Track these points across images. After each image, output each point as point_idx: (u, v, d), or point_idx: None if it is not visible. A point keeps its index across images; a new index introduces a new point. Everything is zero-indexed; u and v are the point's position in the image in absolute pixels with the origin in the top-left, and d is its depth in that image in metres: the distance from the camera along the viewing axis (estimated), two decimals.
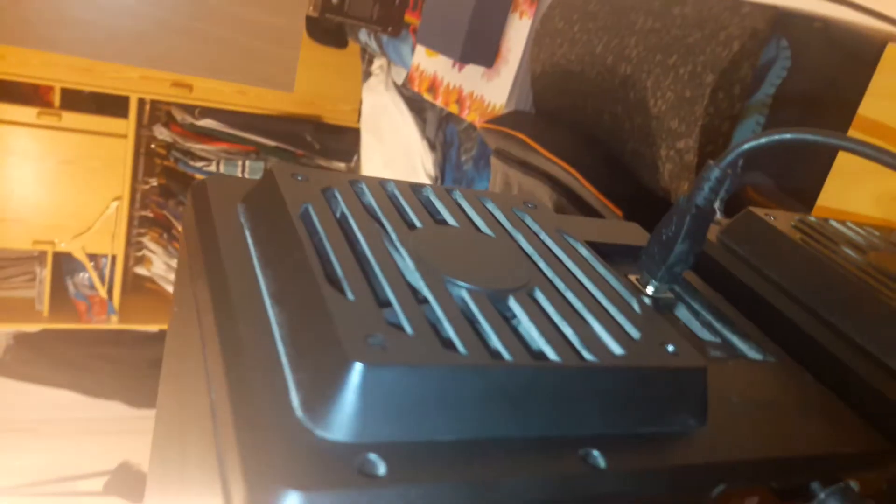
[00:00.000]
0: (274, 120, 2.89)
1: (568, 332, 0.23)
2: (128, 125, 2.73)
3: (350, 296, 0.20)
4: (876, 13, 0.43)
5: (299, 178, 0.25)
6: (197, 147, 2.81)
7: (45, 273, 2.83)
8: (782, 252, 0.34)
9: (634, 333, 0.24)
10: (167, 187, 2.89)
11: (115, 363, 3.09)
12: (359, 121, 2.39)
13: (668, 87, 0.91)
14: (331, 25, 2.19)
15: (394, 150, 2.18)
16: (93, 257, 2.88)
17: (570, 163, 1.02)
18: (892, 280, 0.32)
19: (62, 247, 2.77)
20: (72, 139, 2.67)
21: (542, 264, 0.26)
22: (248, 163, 2.87)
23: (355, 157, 2.85)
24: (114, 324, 2.95)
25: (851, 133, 0.51)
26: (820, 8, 0.75)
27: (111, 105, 2.70)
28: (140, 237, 2.99)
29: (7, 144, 2.59)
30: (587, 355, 0.22)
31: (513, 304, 0.23)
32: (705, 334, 0.31)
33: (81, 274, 2.94)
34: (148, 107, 2.84)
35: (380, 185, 0.27)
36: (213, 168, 2.80)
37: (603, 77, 1.02)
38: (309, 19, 2.26)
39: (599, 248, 0.34)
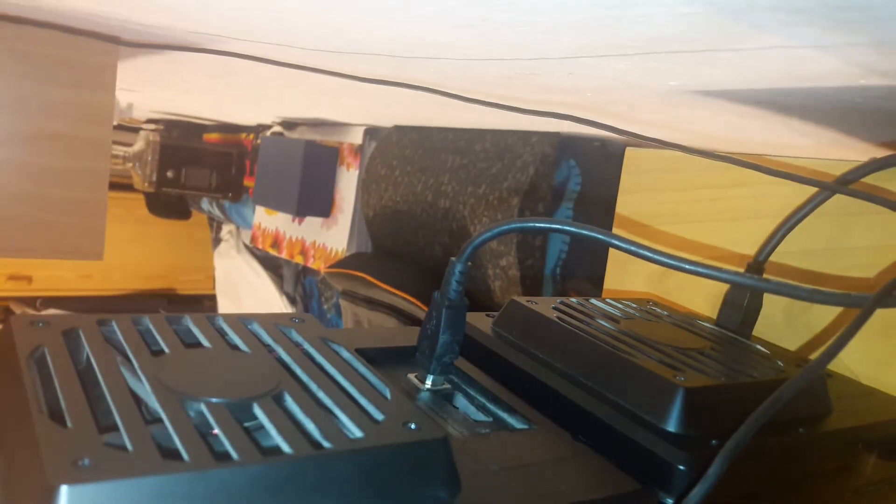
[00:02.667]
0: (125, 300, 2.77)
1: (310, 427, 0.24)
2: None
3: (69, 424, 0.20)
4: (611, 128, 0.52)
5: (40, 324, 0.26)
6: None
7: None
8: (543, 331, 0.37)
9: (378, 416, 0.25)
10: None
11: None
12: (214, 287, 2.35)
13: (483, 213, 0.99)
14: (170, 199, 2.20)
15: (254, 311, 2.15)
16: None
17: (409, 292, 1.07)
18: (638, 341, 0.36)
19: None
20: None
21: (297, 371, 0.28)
22: None
23: None
24: None
25: (616, 227, 0.58)
26: (591, 130, 0.87)
27: None
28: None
29: None
30: (324, 444, 0.23)
31: (257, 410, 0.24)
32: (479, 416, 0.33)
33: None
34: None
35: (132, 321, 0.28)
36: None
37: (427, 213, 1.09)
38: (147, 195, 2.26)
39: (378, 353, 0.37)
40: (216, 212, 1.98)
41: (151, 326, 0.29)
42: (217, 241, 2.33)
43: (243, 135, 1.69)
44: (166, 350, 0.27)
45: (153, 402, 0.23)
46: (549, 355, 0.36)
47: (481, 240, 0.33)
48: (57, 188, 0.62)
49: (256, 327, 0.31)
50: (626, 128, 0.56)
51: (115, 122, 1.28)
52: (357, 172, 1.26)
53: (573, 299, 0.42)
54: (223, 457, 0.21)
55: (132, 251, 2.73)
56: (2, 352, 0.26)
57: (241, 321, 0.31)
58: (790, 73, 0.43)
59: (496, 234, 0.33)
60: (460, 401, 0.34)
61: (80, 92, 0.61)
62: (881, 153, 0.46)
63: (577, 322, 0.38)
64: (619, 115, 0.69)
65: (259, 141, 1.47)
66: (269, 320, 0.32)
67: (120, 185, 2.48)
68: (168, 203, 2.20)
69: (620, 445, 0.31)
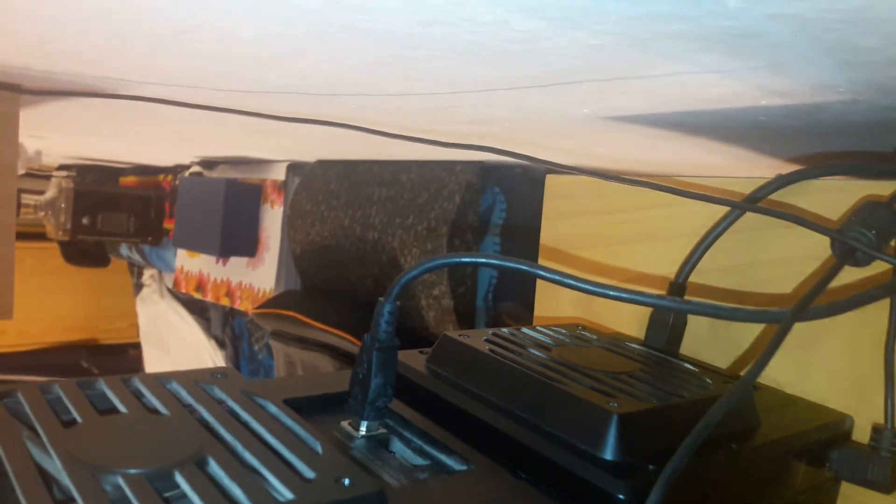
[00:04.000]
0: (44, 353, 2.62)
1: (237, 492, 0.23)
2: None
3: None
4: (529, 158, 0.52)
5: None
6: None
7: None
8: (476, 366, 0.37)
9: (309, 475, 0.24)
10: None
11: None
12: (138, 335, 2.26)
13: (413, 243, 0.99)
14: (87, 246, 2.10)
15: (180, 357, 2.08)
16: None
17: (342, 328, 1.05)
18: (570, 369, 0.36)
19: None
20: None
21: (221, 431, 0.26)
22: None
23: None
24: None
25: (541, 248, 0.59)
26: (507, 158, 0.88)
27: None
28: None
29: None
30: None
31: (179, 479, 0.23)
32: (417, 460, 0.32)
33: None
34: None
35: (39, 390, 0.26)
36: None
37: (357, 246, 1.08)
38: (62, 244, 2.16)
39: (309, 402, 0.35)
40: (136, 257, 1.91)
41: (62, 394, 0.27)
42: (139, 286, 2.24)
43: (161, 176, 1.64)
44: (79, 419, 0.25)
45: (65, 479, 0.21)
46: (485, 390, 0.36)
47: (408, 278, 0.33)
48: None
49: (176, 386, 0.30)
50: (544, 155, 0.57)
51: (23, 171, 1.22)
52: (282, 209, 1.24)
53: (504, 330, 0.42)
54: None
55: (49, 302, 2.60)
56: None
57: (160, 381, 0.29)
58: (696, 97, 0.45)
59: (422, 271, 0.32)
60: (397, 445, 0.34)
61: None
62: (788, 168, 0.48)
63: (510, 353, 0.38)
64: (536, 143, 0.70)
65: (178, 182, 1.43)
66: (189, 378, 0.30)
67: (32, 234, 2.36)
68: (85, 251, 2.11)
69: (560, 478, 0.30)
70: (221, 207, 1.19)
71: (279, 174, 1.25)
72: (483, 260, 0.34)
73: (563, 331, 0.44)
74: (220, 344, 1.99)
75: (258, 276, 1.26)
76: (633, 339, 0.46)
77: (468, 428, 0.34)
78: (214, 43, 0.39)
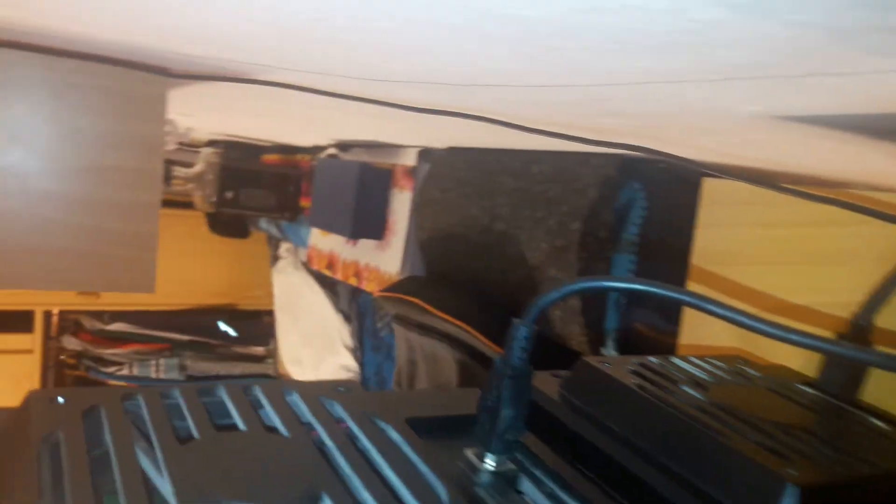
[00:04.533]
0: (187, 314, 2.83)
1: None
2: (33, 339, 2.61)
3: None
4: (679, 158, 0.47)
5: (60, 400, 0.23)
6: (108, 352, 2.70)
7: None
8: (619, 401, 0.33)
9: None
10: None
11: None
12: (273, 303, 2.37)
13: (541, 238, 0.95)
14: (230, 219, 2.23)
15: (310, 327, 2.16)
16: None
17: (464, 320, 1.03)
18: (732, 416, 0.31)
19: None
20: None
21: (339, 461, 0.24)
22: (161, 361, 2.77)
23: (272, 340, 2.79)
24: None
25: (694, 266, 0.53)
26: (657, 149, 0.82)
27: (17, 320, 2.60)
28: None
29: None
30: None
31: None
32: None
33: None
34: (55, 318, 2.74)
35: (160, 395, 0.25)
36: (125, 372, 2.68)
37: (482, 236, 1.06)
38: (208, 215, 2.30)
39: (432, 423, 0.33)
40: (274, 231, 2.00)
41: (182, 401, 0.26)
42: (275, 258, 2.35)
43: (300, 156, 1.69)
44: (195, 434, 0.24)
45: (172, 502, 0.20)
46: (629, 430, 0.32)
47: (549, 300, 0.29)
48: (109, 221, 0.61)
49: (296, 400, 0.28)
50: (699, 157, 0.51)
51: (175, 145, 1.29)
52: (410, 194, 1.23)
53: (652, 359, 0.37)
54: None
55: (194, 267, 2.79)
56: (18, 431, 0.23)
57: (282, 391, 0.28)
58: None
59: (566, 294, 0.29)
60: (526, 485, 0.30)
61: (130, 123, 0.60)
62: None
63: (660, 390, 0.33)
64: (689, 143, 0.64)
65: (315, 162, 1.46)
66: (312, 391, 0.28)
67: (183, 203, 2.53)
68: (227, 222, 2.23)
69: None
70: (354, 190, 1.20)
71: (409, 159, 1.24)
72: (641, 287, 0.29)
73: (721, 364, 0.39)
74: (346, 318, 2.05)
75: (385, 260, 1.27)
76: (801, 376, 0.40)
77: (607, 473, 0.30)
78: (350, 31, 0.37)
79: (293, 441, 0.25)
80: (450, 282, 1.17)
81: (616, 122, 0.58)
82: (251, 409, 0.26)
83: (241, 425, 0.25)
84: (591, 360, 0.36)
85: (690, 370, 0.37)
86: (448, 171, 1.15)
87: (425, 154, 1.22)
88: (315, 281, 2.12)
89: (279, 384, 0.28)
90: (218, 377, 2.80)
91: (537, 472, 0.30)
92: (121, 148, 0.60)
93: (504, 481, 0.30)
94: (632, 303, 0.94)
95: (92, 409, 0.23)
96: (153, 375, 2.76)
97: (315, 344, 2.17)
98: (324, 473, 0.23)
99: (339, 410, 0.28)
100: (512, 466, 0.31)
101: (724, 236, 0.51)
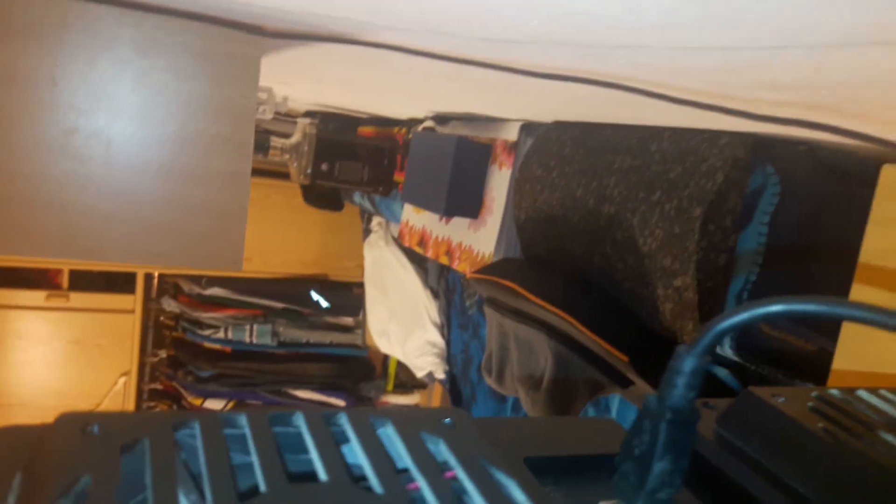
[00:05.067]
0: (280, 282, 2.89)
1: None
2: (135, 300, 2.74)
3: None
4: (867, 136, 0.38)
5: (94, 429, 0.19)
6: (205, 316, 2.80)
7: None
8: (801, 449, 0.25)
9: None
10: (176, 358, 2.84)
11: None
12: (363, 276, 2.38)
13: (656, 224, 0.86)
14: (324, 191, 2.23)
15: (398, 302, 2.15)
16: None
17: (564, 309, 0.96)
18: None
19: None
20: (80, 319, 2.67)
21: None
22: (255, 326, 2.84)
23: (361, 312, 2.81)
24: None
25: (861, 263, 0.44)
26: (801, 131, 0.71)
27: (120, 281, 2.73)
28: (149, 410, 2.90)
29: (15, 329, 2.59)
30: None
31: None
32: None
33: None
34: (156, 280, 2.86)
35: (219, 422, 0.20)
36: (221, 335, 2.77)
37: (587, 219, 0.98)
38: (303, 187, 2.31)
39: (556, 464, 0.27)
40: (367, 204, 1.98)
41: (248, 431, 0.20)
42: (367, 231, 2.35)
43: (396, 128, 1.65)
44: (262, 486, 0.18)
45: None
46: (815, 490, 0.24)
47: (727, 325, 0.22)
48: (196, 191, 0.57)
49: (391, 434, 0.22)
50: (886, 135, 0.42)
51: (272, 115, 1.27)
52: (510, 172, 1.16)
53: (833, 391, 0.29)
54: None
55: (289, 237, 2.84)
56: (38, 470, 0.19)
57: (372, 422, 0.22)
58: None
59: (752, 318, 0.21)
60: None
61: (220, 87, 0.56)
62: None
63: (853, 438, 0.25)
64: (861, 115, 0.53)
65: (411, 136, 1.41)
66: (410, 423, 0.22)
67: (279, 173, 2.56)
68: (322, 194, 2.24)
69: None
70: (450, 166, 1.14)
71: (511, 134, 1.17)
72: (835, 309, 0.22)
73: None
74: (435, 295, 2.02)
75: (478, 239, 1.21)
76: None
77: None
78: None
79: (386, 499, 0.19)
80: (548, 267, 1.09)
81: (767, 95, 0.49)
82: (334, 447, 0.20)
83: (321, 474, 0.19)
84: (759, 392, 0.28)
85: (885, 408, 0.29)
86: (552, 146, 1.07)
87: (528, 128, 1.15)
88: (405, 256, 2.10)
89: (370, 414, 0.23)
90: (308, 344, 2.84)
91: None
92: (210, 113, 0.56)
93: None
94: (755, 297, 0.83)
95: (134, 443, 0.18)
96: (247, 340, 2.84)
97: (402, 318, 2.15)
98: None
99: (445, 451, 0.22)
100: None
101: None
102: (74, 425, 0.18)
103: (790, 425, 0.26)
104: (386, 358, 3.01)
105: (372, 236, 2.30)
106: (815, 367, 0.73)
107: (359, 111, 1.71)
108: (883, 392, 0.30)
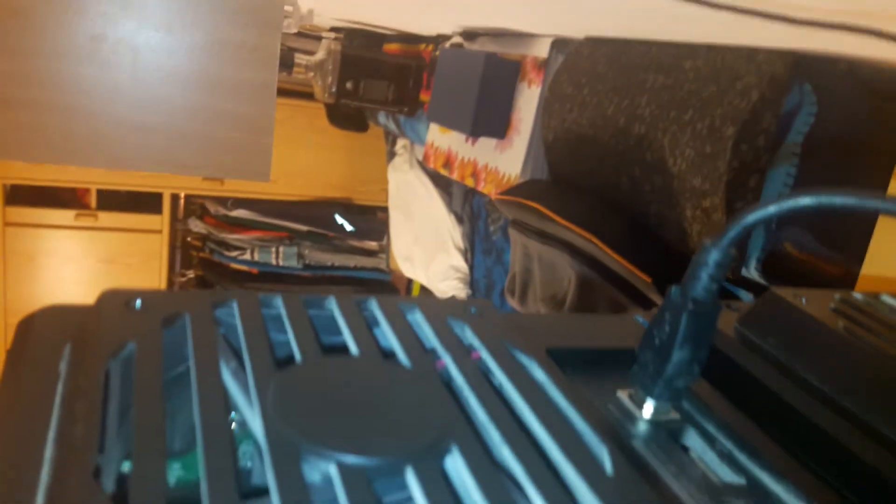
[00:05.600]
0: (305, 205, 2.91)
1: None
2: (162, 220, 2.78)
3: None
4: None
5: (137, 304, 0.19)
6: (231, 237, 2.84)
7: None
8: (822, 348, 0.26)
9: None
10: (204, 278, 2.91)
11: None
12: (387, 200, 2.38)
13: (687, 143, 0.84)
14: (349, 111, 2.21)
15: (422, 226, 2.15)
16: None
17: (589, 230, 0.95)
18: None
19: None
20: (109, 238, 2.73)
21: (472, 402, 0.19)
22: (281, 248, 2.88)
23: (386, 236, 2.83)
24: None
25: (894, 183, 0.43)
26: (843, 47, 0.68)
27: (147, 202, 2.76)
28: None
29: (46, 247, 2.66)
30: None
31: (411, 479, 0.16)
32: (725, 472, 0.23)
33: None
34: (182, 201, 2.90)
35: (259, 303, 0.21)
36: (247, 256, 2.82)
37: (617, 139, 0.96)
38: (327, 107, 2.28)
39: (577, 356, 0.27)
40: (391, 126, 1.96)
41: (284, 312, 0.21)
42: (391, 154, 2.33)
43: (422, 46, 1.61)
44: (297, 356, 0.19)
45: (264, 449, 0.16)
46: (830, 384, 0.25)
47: (754, 218, 0.22)
48: (224, 101, 0.57)
49: (419, 319, 0.23)
50: None
51: (295, 29, 1.25)
52: (539, 90, 1.14)
53: (856, 295, 0.29)
54: None
55: (314, 159, 2.83)
56: (85, 341, 0.20)
57: (401, 309, 0.23)
58: None
59: (780, 211, 0.21)
60: (693, 440, 0.24)
61: None
62: None
63: (874, 336, 0.26)
64: None
65: (437, 53, 1.38)
66: (438, 310, 0.23)
67: (303, 93, 2.53)
68: (347, 114, 2.22)
69: None
70: (478, 84, 1.12)
71: (542, 51, 1.14)
72: (883, 205, 0.21)
73: None
74: (459, 219, 2.02)
75: (505, 161, 1.20)
76: None
77: (799, 435, 0.24)
78: None
79: (415, 373, 0.19)
80: (575, 188, 1.09)
81: (829, 5, 0.47)
82: (366, 327, 0.21)
83: (353, 348, 0.20)
84: (782, 292, 0.28)
85: None
86: (584, 63, 1.04)
87: (560, 45, 1.12)
88: (429, 180, 2.09)
89: (399, 301, 0.23)
90: (333, 267, 2.89)
91: (709, 427, 0.24)
92: (237, 22, 0.55)
93: (665, 434, 0.24)
94: (785, 222, 0.83)
95: (175, 317, 0.19)
96: (273, 262, 2.88)
97: (426, 243, 2.17)
98: (453, 418, 0.18)
99: (470, 336, 0.22)
100: (675, 416, 0.25)
101: None
102: (118, 300, 0.19)
103: (811, 323, 0.26)
104: (410, 282, 3.05)
105: (396, 159, 2.29)
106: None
107: (385, 27, 1.67)
108: None
